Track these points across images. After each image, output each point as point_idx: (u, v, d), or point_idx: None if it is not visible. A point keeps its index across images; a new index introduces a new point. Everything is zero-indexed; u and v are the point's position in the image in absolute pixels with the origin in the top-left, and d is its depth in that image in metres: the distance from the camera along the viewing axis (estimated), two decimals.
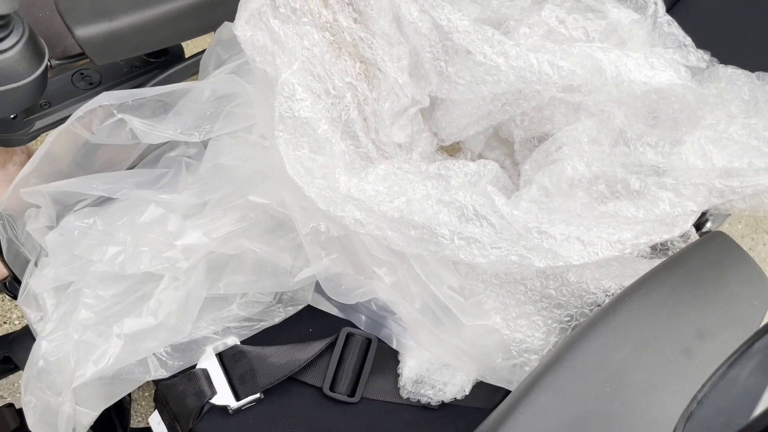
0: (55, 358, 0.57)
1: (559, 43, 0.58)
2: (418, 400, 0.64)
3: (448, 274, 0.60)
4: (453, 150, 0.72)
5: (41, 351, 0.57)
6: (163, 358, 0.62)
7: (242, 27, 0.53)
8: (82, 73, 0.70)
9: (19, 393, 1.30)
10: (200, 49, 0.76)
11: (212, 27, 0.68)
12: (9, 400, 1.29)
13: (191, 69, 0.76)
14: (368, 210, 0.55)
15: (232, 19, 0.63)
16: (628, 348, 0.50)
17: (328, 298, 0.70)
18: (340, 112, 0.60)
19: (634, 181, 0.53)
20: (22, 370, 0.80)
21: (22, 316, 1.39)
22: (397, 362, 0.66)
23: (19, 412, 0.95)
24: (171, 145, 0.70)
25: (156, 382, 0.67)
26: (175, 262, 0.58)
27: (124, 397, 0.72)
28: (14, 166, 1.29)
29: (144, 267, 0.58)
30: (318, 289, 0.69)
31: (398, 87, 0.62)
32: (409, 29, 0.60)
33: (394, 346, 0.67)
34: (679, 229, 0.54)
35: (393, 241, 0.56)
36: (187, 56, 0.77)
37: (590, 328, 0.51)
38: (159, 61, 0.74)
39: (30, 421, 0.61)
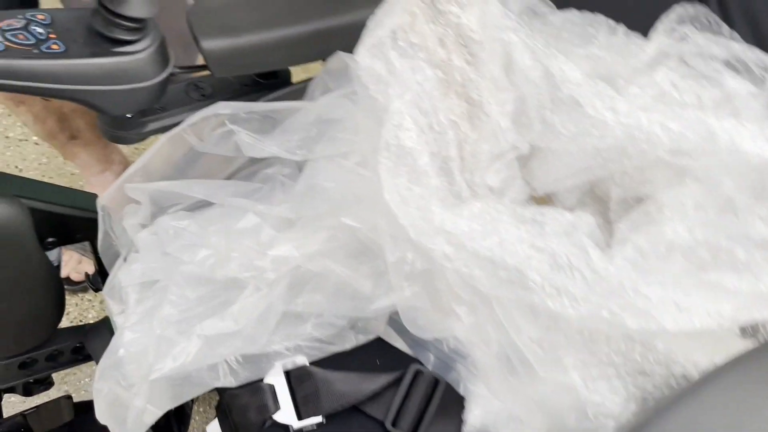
0: (135, 349, 0.58)
1: (670, 106, 0.58)
2: None
3: (529, 323, 0.59)
4: (543, 201, 0.72)
5: (123, 340, 0.59)
6: (234, 367, 0.63)
7: (364, 54, 0.55)
8: (196, 85, 0.74)
9: (84, 389, 1.33)
10: (305, 77, 0.80)
11: (324, 55, 0.71)
12: (70, 392, 1.32)
13: (296, 94, 0.79)
14: (459, 245, 0.55)
15: (343, 50, 0.66)
16: (720, 430, 0.48)
17: (400, 333, 0.69)
18: (440, 148, 0.60)
19: (740, 252, 0.51)
20: (94, 361, 0.82)
21: (98, 317, 1.44)
22: (463, 408, 0.65)
23: (76, 407, 0.97)
24: (267, 162, 0.73)
25: (220, 392, 0.67)
26: (263, 272, 0.59)
27: (187, 403, 0.73)
28: (111, 174, 1.36)
29: (233, 272, 0.59)
30: (390, 323, 0.69)
31: (500, 131, 0.62)
32: (519, 76, 0.60)
33: (461, 392, 0.65)
34: None
35: (479, 280, 0.55)
36: (293, 81, 0.80)
37: (678, 402, 0.49)
38: (268, 83, 0.77)
39: (99, 409, 0.63)
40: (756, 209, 0.52)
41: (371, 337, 0.67)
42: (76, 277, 1.38)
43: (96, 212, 0.71)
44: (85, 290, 1.45)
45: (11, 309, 0.70)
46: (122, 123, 0.69)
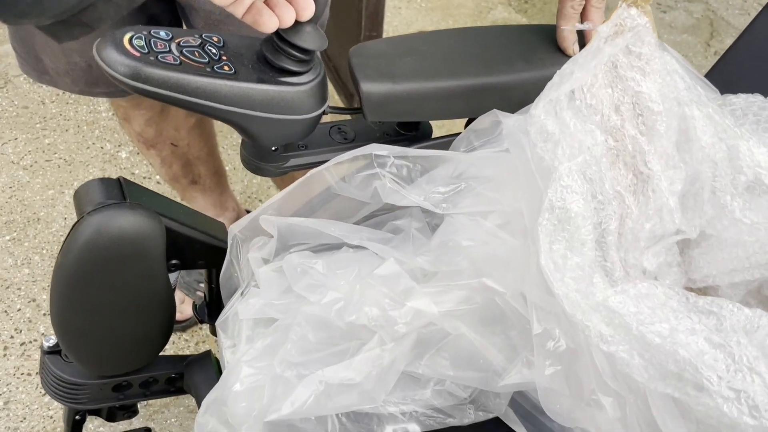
0: (250, 386, 0.55)
1: None
2: None
3: (682, 427, 0.52)
4: (700, 295, 0.65)
5: (239, 374, 0.56)
6: (345, 422, 0.58)
7: (539, 108, 0.53)
8: (339, 128, 0.74)
9: (168, 430, 1.30)
10: (444, 133, 0.78)
11: (475, 113, 0.69)
12: (149, 425, 1.29)
13: (437, 149, 0.77)
14: (621, 326, 0.49)
15: (496, 107, 0.63)
16: None
17: (522, 419, 0.63)
18: (601, 219, 0.56)
19: None
20: (191, 394, 0.79)
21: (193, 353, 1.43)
22: None
23: None
24: (395, 215, 0.70)
25: None
26: (395, 324, 0.55)
27: None
28: (225, 219, 1.39)
29: (362, 320, 0.55)
30: (512, 404, 0.63)
31: (667, 210, 0.57)
32: (697, 154, 0.56)
33: None
34: None
35: (638, 369, 0.49)
36: (433, 136, 0.79)
37: None
38: (409, 135, 0.75)
39: None
40: None
41: (491, 415, 0.61)
42: (178, 316, 1.39)
43: (223, 241, 0.70)
44: (184, 329, 1.45)
45: (124, 325, 0.69)
46: (265, 155, 0.68)
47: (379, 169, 0.62)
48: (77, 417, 0.84)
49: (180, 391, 0.84)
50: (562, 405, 0.55)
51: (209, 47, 0.57)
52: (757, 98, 0.61)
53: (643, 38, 0.55)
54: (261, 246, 0.68)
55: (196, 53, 0.55)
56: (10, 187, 1.73)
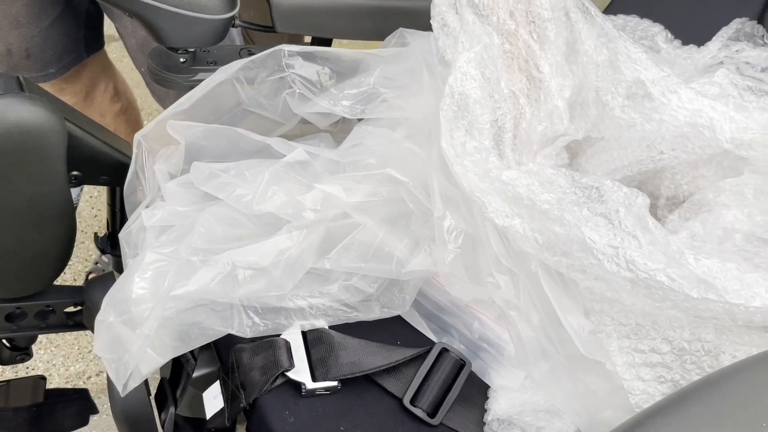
0: (156, 271, 0.54)
1: (732, 99, 0.58)
2: None
3: (574, 303, 0.56)
4: None
5: (144, 260, 0.55)
6: (252, 316, 0.58)
7: (439, 4, 0.56)
8: (249, 50, 0.74)
9: (67, 374, 1.23)
10: None
11: (382, 36, 0.72)
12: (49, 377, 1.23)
13: None
14: (514, 198, 0.53)
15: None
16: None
17: (425, 318, 0.66)
18: (497, 117, 0.60)
19: None
20: (90, 329, 0.76)
21: None
22: (485, 397, 0.60)
23: (48, 392, 0.90)
24: (308, 138, 0.72)
25: (221, 353, 0.63)
26: (303, 210, 0.56)
27: (183, 368, 0.68)
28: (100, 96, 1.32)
29: (272, 207, 0.56)
30: (416, 305, 0.66)
31: (557, 113, 0.62)
32: (582, 58, 0.61)
33: (486, 380, 0.61)
34: None
35: (530, 241, 0.53)
36: None
37: (701, 390, 0.44)
38: None
39: (99, 342, 0.58)
40: None
41: (396, 312, 0.64)
42: None
43: (128, 157, 0.69)
44: None
45: (18, 238, 0.66)
46: (173, 66, 0.68)
47: (289, 72, 0.63)
48: None
49: (80, 326, 0.81)
50: (463, 288, 0.58)
51: None
52: (634, 18, 0.67)
53: None
54: (168, 157, 0.67)
55: None
56: None
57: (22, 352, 0.84)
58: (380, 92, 0.64)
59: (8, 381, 0.88)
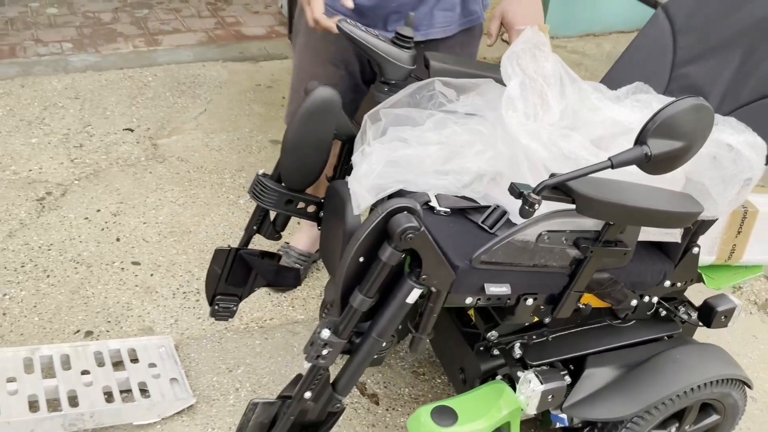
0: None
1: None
2: None
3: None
4: None
5: (366, 151, 1.35)
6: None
7: (505, 67, 1.38)
8: (417, 77, 1.59)
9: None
10: None
11: None
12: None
13: None
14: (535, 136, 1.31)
15: None
16: None
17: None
18: (529, 112, 1.39)
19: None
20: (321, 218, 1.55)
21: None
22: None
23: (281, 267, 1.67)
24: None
25: None
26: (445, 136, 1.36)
27: None
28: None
29: (435, 138, 1.36)
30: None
31: (553, 113, 1.41)
32: (567, 94, 1.41)
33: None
34: None
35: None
36: None
37: None
38: None
39: (355, 202, 1.36)
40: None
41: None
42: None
43: (356, 128, 1.51)
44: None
45: (310, 159, 1.47)
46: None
47: (437, 90, 1.46)
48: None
49: (313, 217, 1.59)
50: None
51: None
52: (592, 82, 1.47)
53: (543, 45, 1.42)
54: (375, 129, 1.49)
55: None
56: None
57: (278, 233, 1.63)
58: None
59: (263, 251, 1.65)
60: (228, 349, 2.00)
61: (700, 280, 1.57)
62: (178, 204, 2.57)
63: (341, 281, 1.16)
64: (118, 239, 2.38)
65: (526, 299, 1.31)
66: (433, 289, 1.19)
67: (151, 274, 2.24)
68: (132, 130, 3.00)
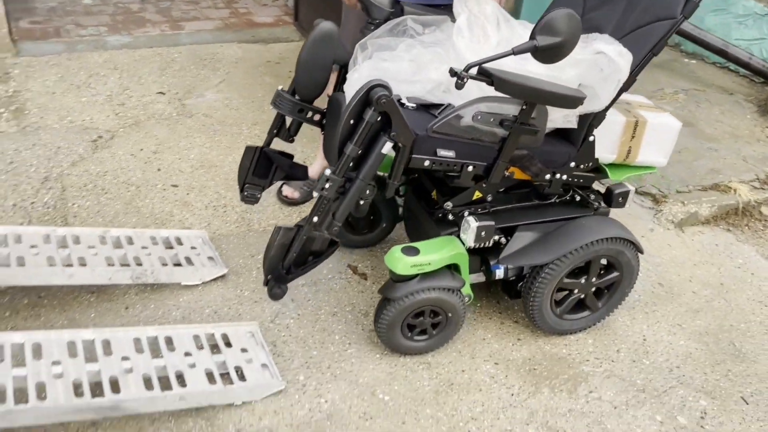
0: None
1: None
2: None
3: None
4: None
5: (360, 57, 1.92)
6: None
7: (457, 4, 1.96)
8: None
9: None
10: None
11: None
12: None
13: None
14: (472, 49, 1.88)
15: None
16: None
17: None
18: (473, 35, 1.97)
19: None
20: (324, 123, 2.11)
21: None
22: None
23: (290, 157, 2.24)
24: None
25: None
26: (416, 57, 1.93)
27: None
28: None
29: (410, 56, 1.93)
30: None
31: (492, 42, 1.99)
32: (502, 29, 2.00)
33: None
34: None
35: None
36: None
37: None
38: None
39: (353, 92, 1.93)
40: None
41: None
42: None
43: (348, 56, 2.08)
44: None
45: (319, 75, 2.04)
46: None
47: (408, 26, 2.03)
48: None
49: (317, 124, 2.16)
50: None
51: None
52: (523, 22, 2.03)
53: None
54: (364, 54, 2.06)
55: None
56: None
57: (291, 137, 2.19)
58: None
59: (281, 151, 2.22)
60: (250, 243, 2.55)
61: (602, 171, 2.14)
62: (205, 147, 3.14)
63: (338, 139, 1.72)
64: (159, 169, 2.94)
65: (468, 166, 1.87)
66: (400, 145, 1.75)
67: (188, 193, 2.80)
68: (164, 93, 3.57)
